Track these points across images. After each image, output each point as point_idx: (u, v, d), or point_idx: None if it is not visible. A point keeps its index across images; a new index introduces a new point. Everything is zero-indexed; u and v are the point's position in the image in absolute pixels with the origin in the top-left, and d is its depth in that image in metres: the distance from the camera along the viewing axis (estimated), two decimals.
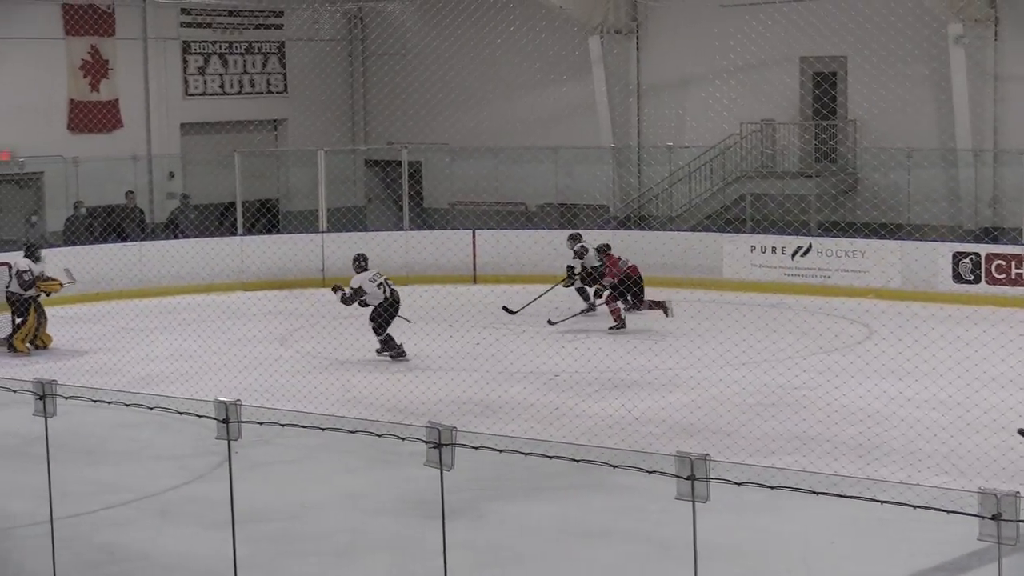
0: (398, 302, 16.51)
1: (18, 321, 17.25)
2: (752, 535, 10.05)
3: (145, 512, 12.60)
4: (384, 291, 16.34)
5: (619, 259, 18.05)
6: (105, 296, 20.75)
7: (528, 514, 11.61)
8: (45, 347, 17.33)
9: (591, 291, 18.84)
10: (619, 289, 17.81)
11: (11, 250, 19.88)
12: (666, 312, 17.92)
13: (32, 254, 17.77)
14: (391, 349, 16.01)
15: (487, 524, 11.36)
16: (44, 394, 6.81)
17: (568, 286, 19.22)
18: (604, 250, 18.30)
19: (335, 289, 16.01)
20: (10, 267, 17.42)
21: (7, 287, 17.36)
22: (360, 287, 16.15)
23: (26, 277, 17.12)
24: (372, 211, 26.79)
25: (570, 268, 19.02)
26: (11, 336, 17.13)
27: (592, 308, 18.73)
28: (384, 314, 16.35)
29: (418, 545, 9.55)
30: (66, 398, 6.88)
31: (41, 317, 17.40)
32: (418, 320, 16.81)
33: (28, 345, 17.16)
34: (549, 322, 18.34)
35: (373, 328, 16.10)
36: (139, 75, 24.34)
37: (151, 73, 24.50)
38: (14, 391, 7.29)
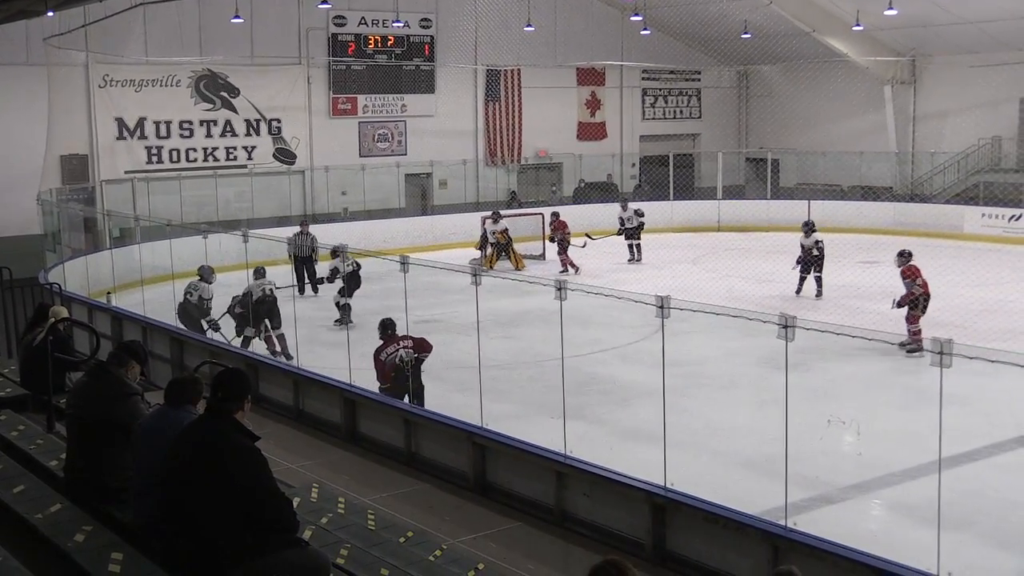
0: None
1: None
2: (978, 391, 12.42)
3: (614, 356, 16.49)
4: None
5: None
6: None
7: (837, 370, 14.82)
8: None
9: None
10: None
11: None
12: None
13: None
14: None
15: (813, 374, 14.26)
16: (561, 287, 9.06)
17: None
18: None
19: None
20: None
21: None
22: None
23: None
24: None
25: None
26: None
27: None
28: None
29: (769, 384, 10.75)
30: (571, 290, 8.98)
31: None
32: None
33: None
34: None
35: None
36: None
37: None
38: (543, 285, 9.33)
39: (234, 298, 17.87)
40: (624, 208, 28.17)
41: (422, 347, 12.54)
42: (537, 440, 9.88)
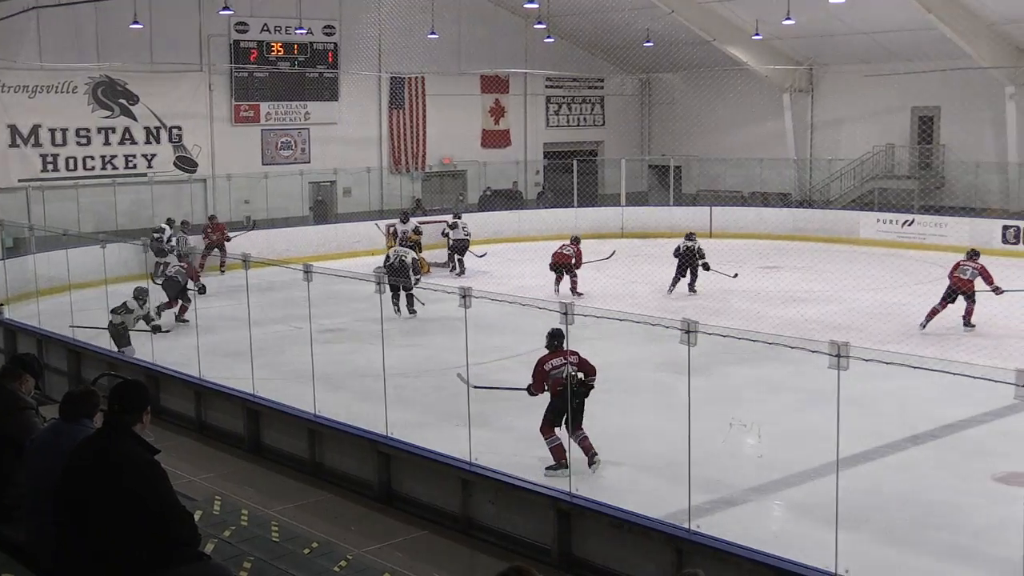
0: None
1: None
2: (873, 392, 12.59)
3: (518, 363, 15.16)
4: None
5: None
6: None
7: (738, 374, 14.96)
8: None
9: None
10: None
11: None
12: None
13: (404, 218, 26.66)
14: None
15: (715, 378, 14.27)
16: (465, 295, 9.31)
17: None
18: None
19: None
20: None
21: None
22: None
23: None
24: None
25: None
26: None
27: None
28: None
29: (673, 389, 11.55)
30: (476, 298, 9.31)
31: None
32: None
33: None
34: None
35: None
36: None
37: None
38: (448, 292, 9.78)
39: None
40: (457, 219, 27.94)
41: (587, 368, 11.63)
42: (442, 448, 9.87)
